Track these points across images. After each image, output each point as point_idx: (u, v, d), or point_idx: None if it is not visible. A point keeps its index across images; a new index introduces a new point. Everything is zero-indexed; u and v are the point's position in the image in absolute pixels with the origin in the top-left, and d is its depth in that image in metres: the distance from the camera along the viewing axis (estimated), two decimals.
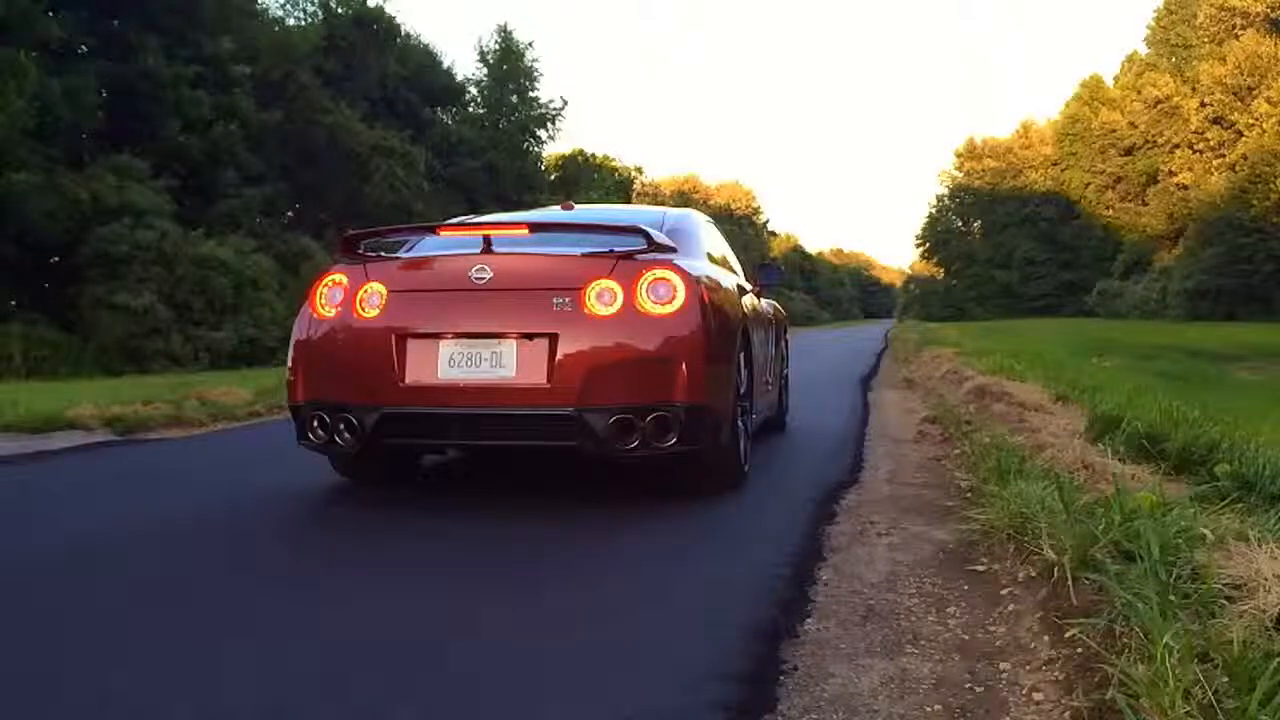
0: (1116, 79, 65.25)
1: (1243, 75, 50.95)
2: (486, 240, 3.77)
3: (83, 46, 21.05)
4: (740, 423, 4.19)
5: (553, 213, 5.36)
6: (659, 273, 3.66)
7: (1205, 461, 4.45)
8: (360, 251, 4.07)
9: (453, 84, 37.45)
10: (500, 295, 3.67)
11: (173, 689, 2.19)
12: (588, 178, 47.13)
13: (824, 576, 3.13)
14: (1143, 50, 63.91)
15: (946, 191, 77.22)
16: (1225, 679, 1.77)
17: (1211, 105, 52.90)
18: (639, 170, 63.91)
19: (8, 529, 3.95)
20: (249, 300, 20.39)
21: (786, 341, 7.03)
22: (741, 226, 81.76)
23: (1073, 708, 1.99)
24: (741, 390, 4.20)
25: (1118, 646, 2.05)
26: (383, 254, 4.16)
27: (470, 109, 38.11)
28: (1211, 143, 53.45)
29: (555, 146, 46.13)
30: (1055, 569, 2.66)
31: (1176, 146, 56.27)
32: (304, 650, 2.45)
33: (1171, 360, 19.00)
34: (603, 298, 3.59)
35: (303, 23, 30.48)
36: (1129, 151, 60.13)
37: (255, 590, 3.04)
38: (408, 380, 3.65)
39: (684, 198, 73.64)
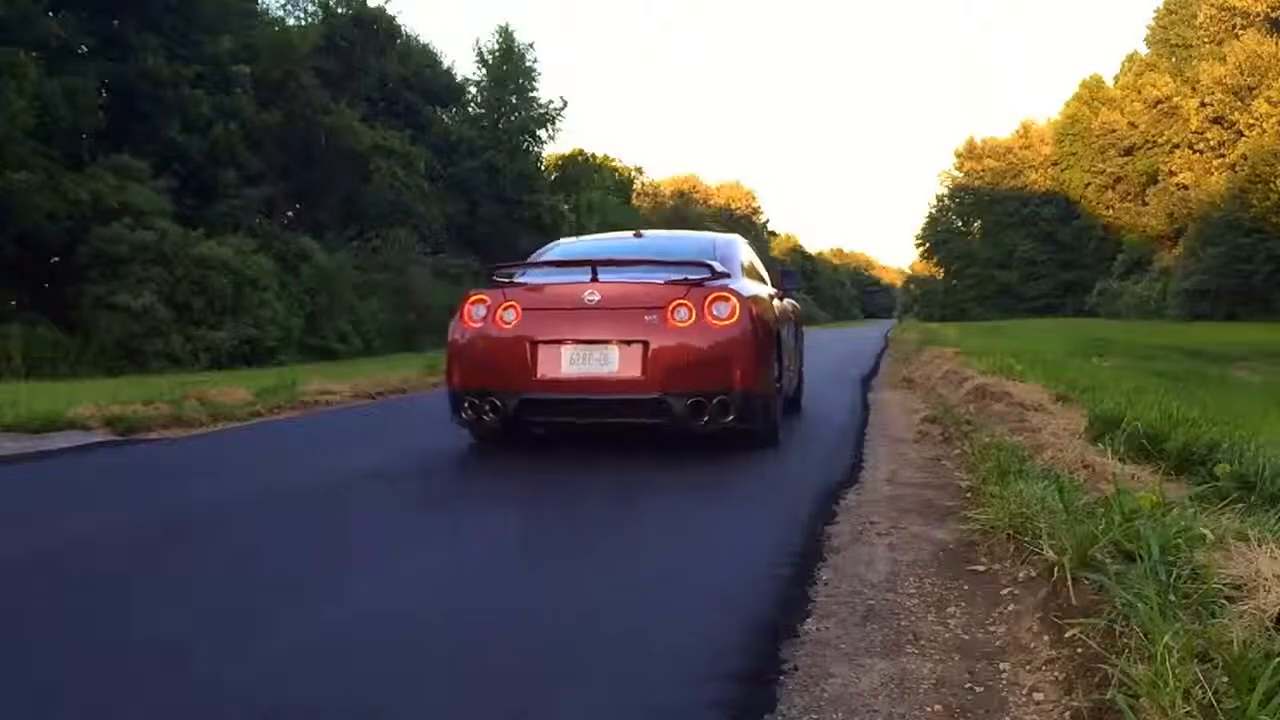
0: (1116, 79, 65.21)
1: (1243, 75, 50.90)
2: (593, 270, 4.88)
3: (83, 46, 21.01)
4: (777, 400, 5.34)
5: (633, 244, 6.36)
6: (721, 295, 4.83)
7: (1205, 461, 4.44)
8: (498, 280, 5.24)
9: (453, 84, 37.39)
10: (606, 313, 4.79)
11: (173, 688, 2.20)
12: (588, 178, 47.07)
13: (824, 576, 3.13)
14: (1143, 50, 63.92)
15: (946, 191, 77.17)
16: (1225, 679, 1.77)
17: (1211, 105, 52.85)
18: (639, 170, 63.90)
19: (8, 529, 3.95)
20: (249, 300, 20.35)
21: (802, 334, 8.21)
22: (741, 226, 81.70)
23: (1073, 708, 1.99)
24: (776, 376, 5.34)
25: (1118, 646, 2.05)
26: (514, 279, 5.31)
27: (470, 109, 38.04)
28: (1211, 143, 53.40)
29: (555, 146, 46.13)
30: (1055, 569, 2.66)
31: (1176, 146, 56.21)
32: (305, 648, 2.46)
33: (1171, 360, 18.99)
34: (679, 314, 4.74)
35: (303, 23, 30.45)
36: (1129, 151, 60.09)
37: (254, 589, 3.05)
38: (539, 375, 4.79)
39: (684, 198, 73.60)
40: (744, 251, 6.21)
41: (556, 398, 4.82)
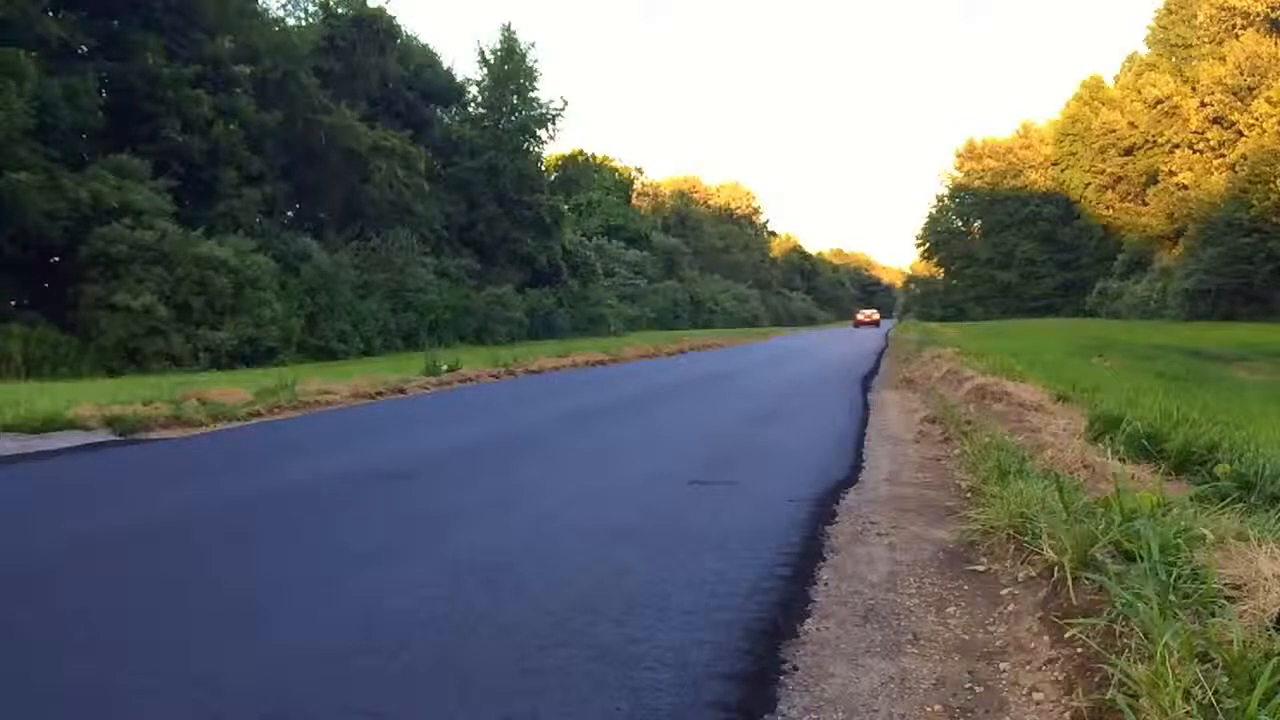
0: (1116, 79, 65.26)
1: (1243, 75, 50.90)
2: (865, 313, 65.55)
3: (83, 47, 20.98)
4: (881, 323, 62.44)
5: (868, 309, 68.90)
6: (875, 313, 65.83)
7: (1205, 461, 4.44)
8: (855, 315, 67.09)
9: (453, 84, 37.34)
10: (868, 314, 64.43)
11: (172, 686, 2.20)
12: (588, 178, 47.04)
13: (824, 576, 3.14)
14: (1143, 50, 63.95)
15: (946, 191, 77.25)
16: (1225, 679, 1.77)
17: (1211, 105, 52.83)
18: (639, 170, 63.98)
19: (8, 528, 3.95)
20: (249, 300, 20.32)
21: (880, 317, 67.12)
22: (741, 226, 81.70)
23: (1073, 708, 1.99)
24: (881, 319, 65.85)
25: (1118, 646, 2.05)
26: (855, 312, 68.93)
27: (470, 109, 38.00)
28: (1211, 143, 53.38)
29: (555, 146, 46.18)
30: (1055, 569, 2.67)
31: (1176, 146, 56.20)
32: (329, 639, 2.46)
33: (1171, 360, 18.97)
34: (874, 315, 64.29)
35: (303, 23, 30.43)
36: (1129, 151, 60.12)
37: (253, 586, 3.05)
38: (860, 321, 62.39)
39: (684, 198, 73.68)
40: (875, 309, 70.70)
41: (862, 323, 59.66)
